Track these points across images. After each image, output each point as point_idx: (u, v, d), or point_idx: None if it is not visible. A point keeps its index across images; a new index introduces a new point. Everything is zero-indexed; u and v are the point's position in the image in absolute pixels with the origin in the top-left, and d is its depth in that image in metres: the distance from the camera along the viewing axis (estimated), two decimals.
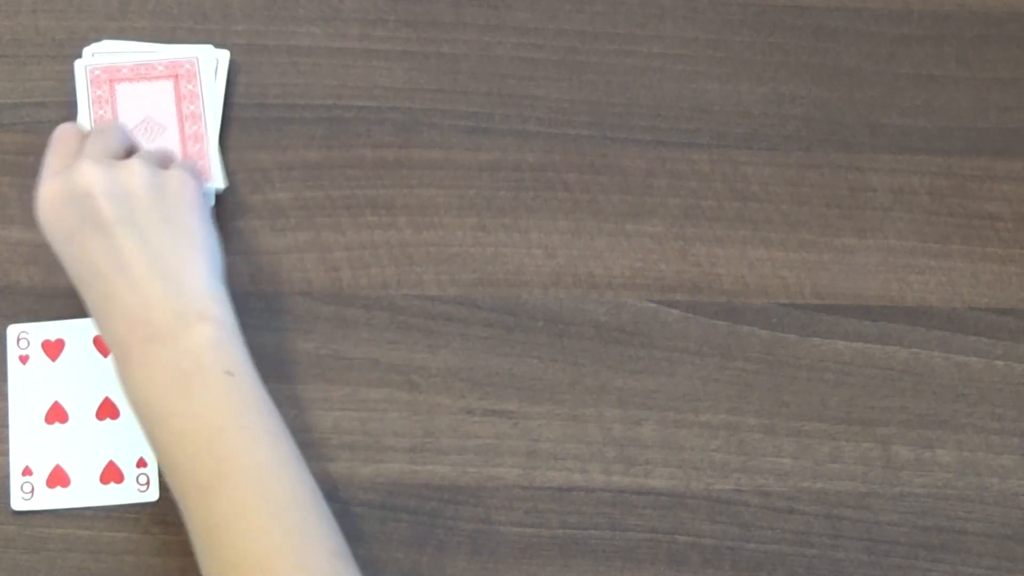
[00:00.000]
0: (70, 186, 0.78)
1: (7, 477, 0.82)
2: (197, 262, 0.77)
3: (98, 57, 0.88)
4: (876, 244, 0.89)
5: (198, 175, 0.82)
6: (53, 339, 0.84)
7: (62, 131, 0.83)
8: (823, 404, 0.86)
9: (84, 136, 0.83)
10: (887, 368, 0.87)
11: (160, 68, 0.88)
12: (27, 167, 0.88)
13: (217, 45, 0.90)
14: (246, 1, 0.92)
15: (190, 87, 0.88)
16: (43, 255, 0.86)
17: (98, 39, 0.89)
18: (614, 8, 0.93)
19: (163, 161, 0.83)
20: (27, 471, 0.82)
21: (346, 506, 0.83)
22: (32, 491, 0.82)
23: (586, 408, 0.85)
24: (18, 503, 0.82)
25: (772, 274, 0.88)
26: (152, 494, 0.82)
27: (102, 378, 0.84)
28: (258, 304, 0.86)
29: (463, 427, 0.85)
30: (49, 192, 0.78)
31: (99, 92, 0.88)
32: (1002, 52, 0.93)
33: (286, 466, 0.74)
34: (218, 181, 0.86)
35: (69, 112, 0.88)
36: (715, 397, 0.86)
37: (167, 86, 0.88)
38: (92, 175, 0.78)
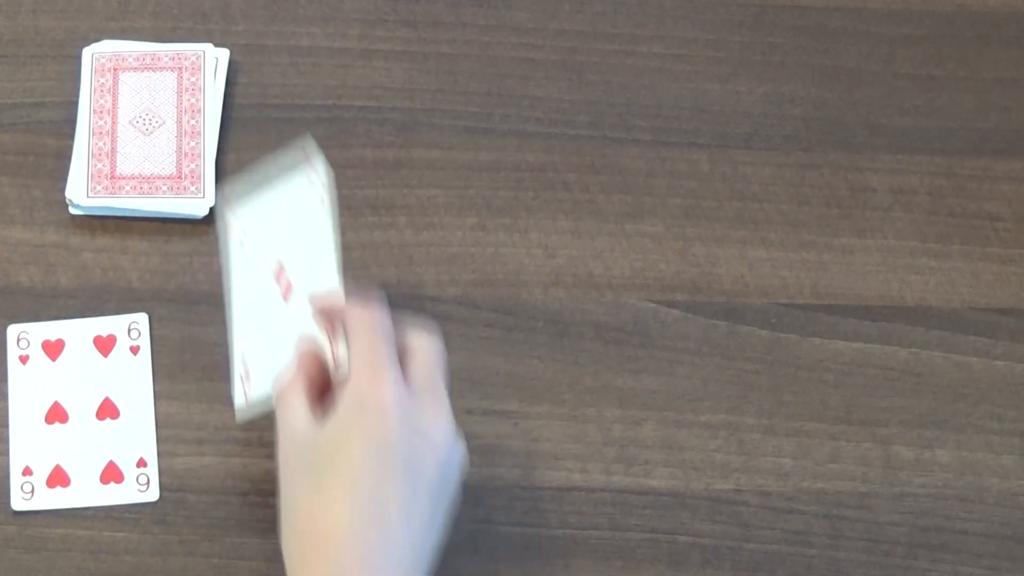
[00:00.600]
0: (425, 421, 0.71)
1: (7, 477, 0.82)
2: (429, 556, 0.71)
3: (105, 44, 0.89)
4: (876, 244, 0.89)
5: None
6: (53, 339, 0.84)
7: (380, 325, 0.73)
8: (823, 404, 0.86)
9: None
10: (887, 368, 0.87)
11: (165, 59, 0.88)
12: (27, 167, 0.88)
13: (217, 45, 0.90)
14: (246, 1, 0.92)
15: (193, 79, 0.88)
16: (43, 255, 0.86)
17: (98, 39, 0.89)
18: (614, 8, 0.93)
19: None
20: (27, 471, 0.82)
21: None
22: (32, 491, 0.82)
23: (586, 408, 0.85)
24: (18, 503, 0.82)
25: (772, 274, 0.88)
26: (152, 494, 0.82)
27: (102, 378, 0.84)
28: None
29: (463, 427, 0.84)
30: (403, 416, 0.70)
31: (102, 80, 0.88)
32: (1002, 52, 0.93)
33: None
34: (209, 197, 0.86)
35: (69, 112, 0.88)
36: (715, 397, 0.86)
37: (170, 77, 0.88)
38: (458, 458, 0.72)
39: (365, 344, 0.72)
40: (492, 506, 0.83)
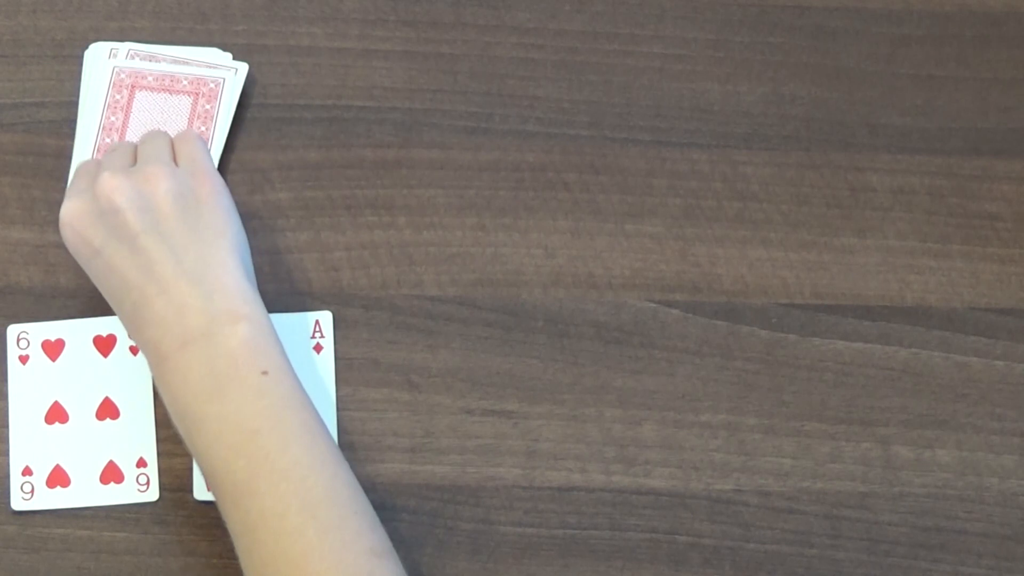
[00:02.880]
0: (94, 201, 0.78)
1: (7, 477, 0.82)
2: (226, 262, 0.77)
3: (130, 57, 0.88)
4: (876, 244, 0.89)
5: (215, 170, 0.82)
6: (53, 339, 0.84)
7: (82, 162, 0.83)
8: (823, 404, 0.86)
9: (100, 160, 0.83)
10: (887, 368, 0.87)
11: (185, 83, 0.88)
12: (27, 167, 0.88)
13: (217, 45, 0.90)
14: (246, 1, 0.92)
15: (208, 107, 0.88)
16: (43, 255, 0.86)
17: (98, 39, 0.89)
18: (614, 8, 0.93)
19: (172, 149, 0.82)
20: (27, 471, 0.82)
21: None
22: (32, 491, 0.82)
23: (586, 408, 0.85)
24: (18, 503, 0.82)
25: (772, 274, 0.88)
26: (152, 494, 0.82)
27: (102, 378, 0.84)
28: None
29: (463, 427, 0.85)
30: (72, 209, 0.78)
31: (118, 97, 0.87)
32: (1002, 52, 0.93)
33: (323, 464, 0.74)
34: None
35: (69, 112, 0.88)
36: (715, 397, 0.86)
37: (185, 102, 0.88)
38: (114, 187, 0.77)
39: None
40: (492, 506, 0.83)
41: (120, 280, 0.77)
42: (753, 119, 0.91)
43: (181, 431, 0.76)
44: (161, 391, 0.76)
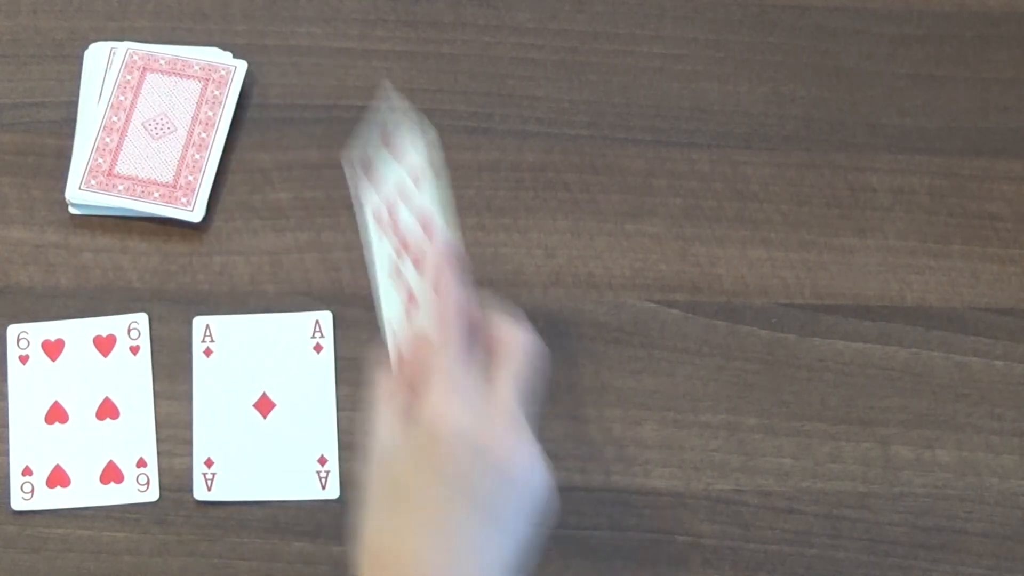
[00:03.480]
0: (415, 436, 0.68)
1: (7, 477, 0.82)
2: (507, 565, 0.69)
3: (129, 57, 0.88)
4: (876, 244, 0.89)
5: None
6: (53, 339, 0.84)
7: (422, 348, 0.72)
8: (823, 404, 0.86)
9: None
10: (887, 368, 0.87)
11: (196, 68, 0.88)
12: (27, 167, 0.88)
13: (217, 45, 0.90)
14: (246, 1, 0.92)
15: (216, 93, 0.88)
16: (43, 255, 0.86)
17: (98, 39, 0.89)
18: (614, 8, 0.93)
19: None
20: (27, 471, 0.82)
21: (345, 507, 0.83)
22: (32, 491, 0.82)
23: (586, 408, 0.85)
24: (18, 503, 0.82)
25: (772, 274, 0.88)
26: (152, 494, 0.82)
27: (102, 378, 0.84)
28: (258, 304, 0.86)
29: None
30: (387, 444, 0.69)
31: (128, 77, 0.88)
32: (1002, 52, 0.93)
33: None
34: (198, 211, 0.86)
35: (69, 112, 0.88)
36: (715, 397, 0.86)
37: (195, 87, 0.88)
38: (451, 438, 0.67)
39: (448, 366, 0.70)
40: None
41: (389, 504, 0.68)
42: (753, 119, 0.91)
43: None
44: None
